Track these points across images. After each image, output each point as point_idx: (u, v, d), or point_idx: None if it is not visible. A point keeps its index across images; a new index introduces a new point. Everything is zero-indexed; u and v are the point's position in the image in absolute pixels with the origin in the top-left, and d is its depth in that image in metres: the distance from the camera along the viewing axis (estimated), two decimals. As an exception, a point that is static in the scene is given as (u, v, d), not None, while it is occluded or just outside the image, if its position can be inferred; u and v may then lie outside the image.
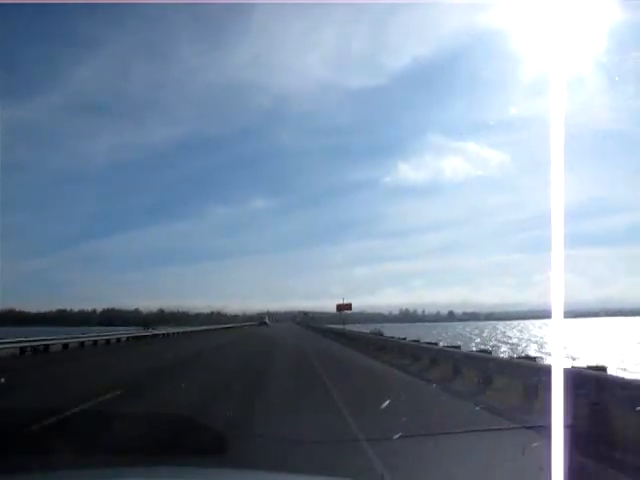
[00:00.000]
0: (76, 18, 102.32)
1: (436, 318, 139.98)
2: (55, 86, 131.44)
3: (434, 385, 11.69)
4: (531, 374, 8.23)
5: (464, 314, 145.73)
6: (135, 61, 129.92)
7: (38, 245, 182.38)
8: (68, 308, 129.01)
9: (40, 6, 59.99)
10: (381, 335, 29.69)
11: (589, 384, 6.33)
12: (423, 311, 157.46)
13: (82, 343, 27.90)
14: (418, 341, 20.24)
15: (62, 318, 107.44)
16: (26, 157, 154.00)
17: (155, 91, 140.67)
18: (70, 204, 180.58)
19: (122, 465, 3.77)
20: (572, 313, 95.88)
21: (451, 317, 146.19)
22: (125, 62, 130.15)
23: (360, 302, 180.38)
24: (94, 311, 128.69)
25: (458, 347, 16.03)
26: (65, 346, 25.78)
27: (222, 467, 3.60)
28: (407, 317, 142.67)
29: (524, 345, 41.60)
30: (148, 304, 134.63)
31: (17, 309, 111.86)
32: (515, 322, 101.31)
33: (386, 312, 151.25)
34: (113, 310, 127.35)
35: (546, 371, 6.25)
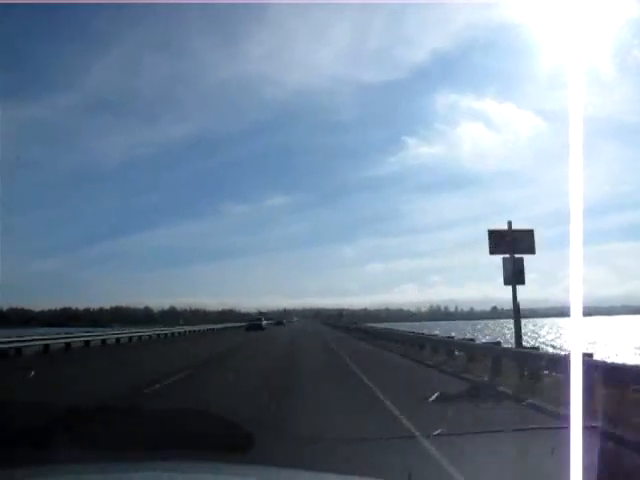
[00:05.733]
0: (88, 16, 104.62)
1: (470, 315, 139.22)
2: (67, 84, 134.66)
3: None
4: None
5: (502, 310, 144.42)
6: (148, 58, 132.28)
7: (50, 245, 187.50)
8: (74, 306, 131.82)
9: (51, 4, 61.62)
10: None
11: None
12: (456, 307, 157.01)
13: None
14: None
15: (67, 316, 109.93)
16: (38, 156, 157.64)
17: (169, 88, 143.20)
18: (83, 203, 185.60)
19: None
20: (599, 310, 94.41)
21: (494, 313, 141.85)
22: (138, 59, 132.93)
23: (377, 300, 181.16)
24: (101, 309, 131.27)
25: None
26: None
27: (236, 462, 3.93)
28: (438, 314, 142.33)
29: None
30: (160, 302, 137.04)
31: (19, 307, 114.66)
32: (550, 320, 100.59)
33: (412, 309, 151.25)
34: (121, 308, 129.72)
35: None
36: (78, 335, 29.20)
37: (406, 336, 28.95)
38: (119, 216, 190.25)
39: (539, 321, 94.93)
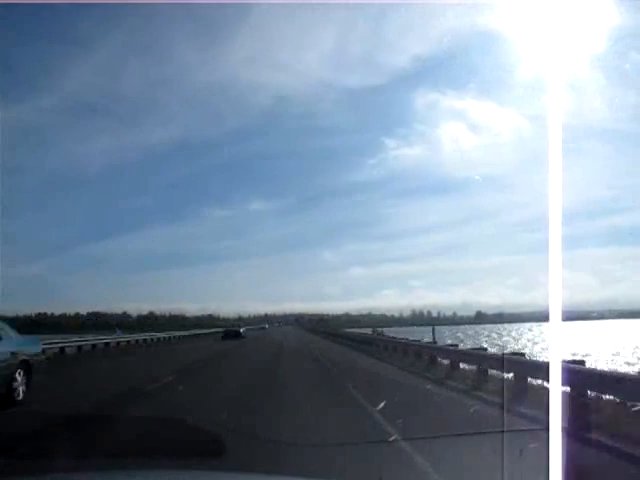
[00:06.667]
0: (71, 17, 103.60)
1: (453, 320, 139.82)
2: (50, 87, 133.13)
3: None
4: None
5: (486, 315, 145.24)
6: (131, 61, 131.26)
7: (29, 250, 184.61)
8: (50, 312, 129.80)
9: (34, 6, 60.85)
10: None
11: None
12: (439, 312, 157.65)
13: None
14: None
15: (41, 323, 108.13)
16: (18, 160, 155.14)
17: (152, 91, 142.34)
18: (63, 208, 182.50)
19: None
20: (580, 314, 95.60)
21: (479, 318, 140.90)
22: (121, 62, 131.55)
23: (359, 305, 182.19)
24: (77, 314, 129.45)
25: None
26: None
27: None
28: (420, 319, 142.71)
29: None
30: (140, 307, 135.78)
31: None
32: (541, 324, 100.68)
33: (395, 314, 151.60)
34: (98, 314, 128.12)
35: None
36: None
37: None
38: (100, 220, 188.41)
39: (527, 326, 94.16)
